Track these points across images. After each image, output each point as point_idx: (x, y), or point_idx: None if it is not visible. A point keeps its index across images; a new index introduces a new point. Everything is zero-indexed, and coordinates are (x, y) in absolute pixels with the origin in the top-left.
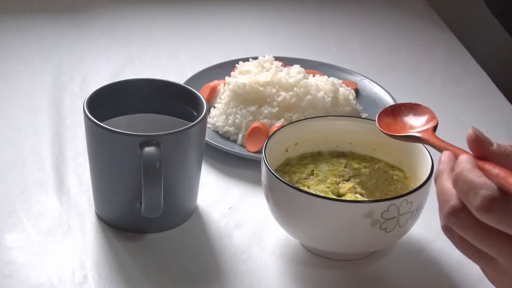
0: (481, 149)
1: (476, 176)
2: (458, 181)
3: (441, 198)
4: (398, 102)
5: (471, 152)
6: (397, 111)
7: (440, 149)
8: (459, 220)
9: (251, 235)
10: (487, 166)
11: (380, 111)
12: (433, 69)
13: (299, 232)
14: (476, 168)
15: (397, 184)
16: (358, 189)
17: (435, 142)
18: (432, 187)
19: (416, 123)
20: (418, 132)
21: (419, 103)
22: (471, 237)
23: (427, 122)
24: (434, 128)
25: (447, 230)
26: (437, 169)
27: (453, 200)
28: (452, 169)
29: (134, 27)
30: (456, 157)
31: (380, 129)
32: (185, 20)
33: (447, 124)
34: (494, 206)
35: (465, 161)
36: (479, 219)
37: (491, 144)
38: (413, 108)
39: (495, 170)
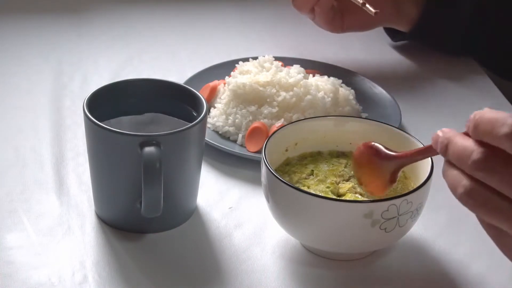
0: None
1: (496, 113)
2: (480, 124)
3: (462, 155)
4: (398, 102)
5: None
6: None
7: (422, 154)
8: (488, 163)
9: (251, 235)
10: None
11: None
12: (433, 69)
13: (299, 232)
14: None
15: (397, 184)
16: (358, 189)
17: (412, 153)
18: (431, 187)
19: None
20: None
21: (419, 103)
22: (500, 179)
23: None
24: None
25: (469, 195)
26: (442, 138)
27: (478, 149)
28: (460, 133)
29: (134, 27)
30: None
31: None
32: (185, 20)
33: (447, 124)
34: None
35: (477, 113)
36: (508, 161)
37: None
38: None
39: None
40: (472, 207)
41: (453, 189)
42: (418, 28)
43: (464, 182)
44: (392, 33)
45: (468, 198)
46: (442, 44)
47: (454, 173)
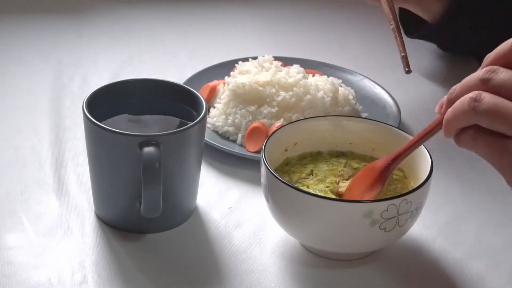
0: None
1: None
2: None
3: (473, 75)
4: (398, 102)
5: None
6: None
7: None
8: (498, 71)
9: (250, 235)
10: None
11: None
12: (434, 69)
13: (298, 232)
14: None
15: (396, 184)
16: None
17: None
18: (431, 187)
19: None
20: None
21: (419, 103)
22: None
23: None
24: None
25: (481, 97)
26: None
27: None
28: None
29: (134, 27)
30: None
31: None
32: (185, 20)
33: None
34: None
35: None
36: None
37: None
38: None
39: None
40: (484, 109)
41: (462, 102)
42: (438, 28)
43: (473, 91)
44: (410, 29)
45: (480, 102)
46: (451, 45)
47: (461, 99)
